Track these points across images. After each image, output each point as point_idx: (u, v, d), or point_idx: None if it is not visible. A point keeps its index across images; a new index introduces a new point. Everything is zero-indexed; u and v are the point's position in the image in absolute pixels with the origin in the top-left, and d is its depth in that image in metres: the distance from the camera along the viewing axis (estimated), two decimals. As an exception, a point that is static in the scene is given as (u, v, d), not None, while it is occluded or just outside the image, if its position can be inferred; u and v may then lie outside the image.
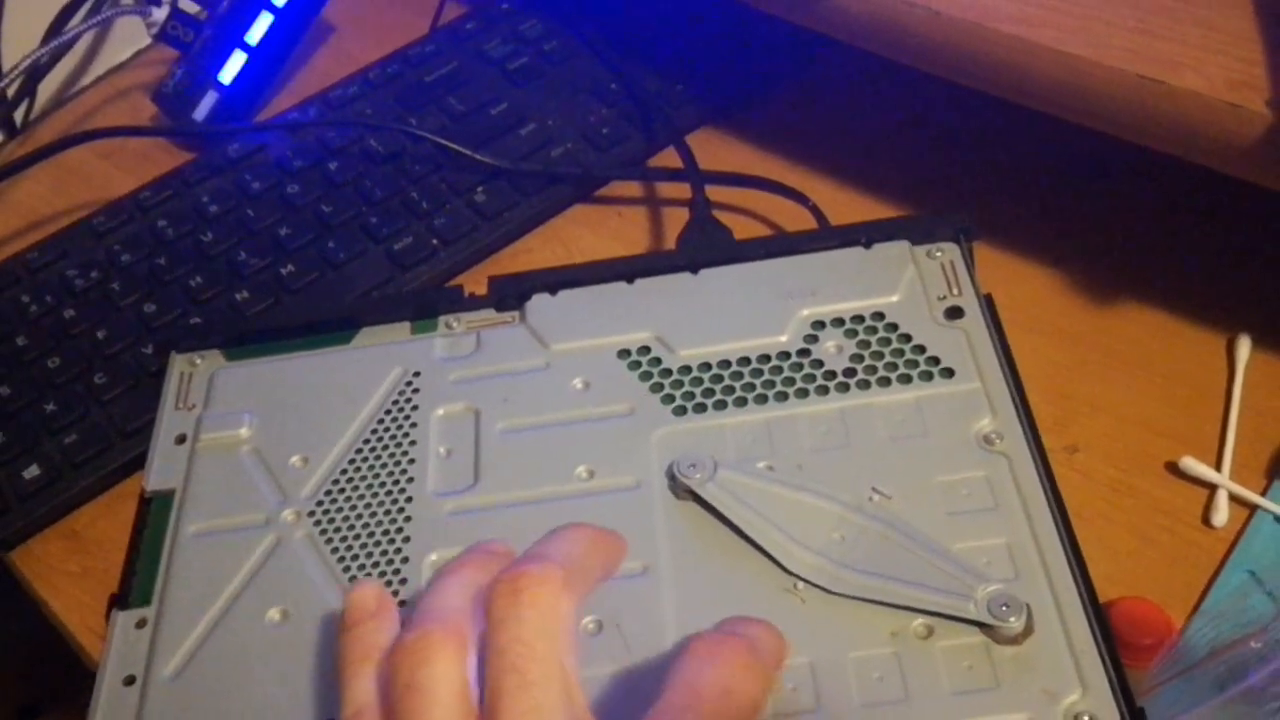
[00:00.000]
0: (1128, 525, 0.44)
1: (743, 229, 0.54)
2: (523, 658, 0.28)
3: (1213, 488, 0.45)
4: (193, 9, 0.67)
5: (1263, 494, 0.44)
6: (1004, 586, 0.34)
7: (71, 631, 0.46)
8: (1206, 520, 0.44)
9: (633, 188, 0.59)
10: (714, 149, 0.59)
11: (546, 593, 0.30)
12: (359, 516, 0.40)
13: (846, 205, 0.55)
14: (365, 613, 0.32)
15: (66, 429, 0.51)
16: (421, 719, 0.28)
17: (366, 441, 0.42)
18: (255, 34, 0.65)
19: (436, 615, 0.30)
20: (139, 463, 0.45)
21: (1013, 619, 0.34)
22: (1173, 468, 0.45)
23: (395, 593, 0.38)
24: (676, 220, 0.55)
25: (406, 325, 0.46)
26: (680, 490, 0.39)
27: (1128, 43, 0.43)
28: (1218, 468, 0.45)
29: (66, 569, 0.49)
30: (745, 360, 0.42)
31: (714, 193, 0.54)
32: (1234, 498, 0.44)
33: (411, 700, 0.29)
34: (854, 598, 0.35)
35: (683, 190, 0.55)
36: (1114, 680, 0.33)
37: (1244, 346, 0.48)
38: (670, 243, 0.55)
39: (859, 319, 0.43)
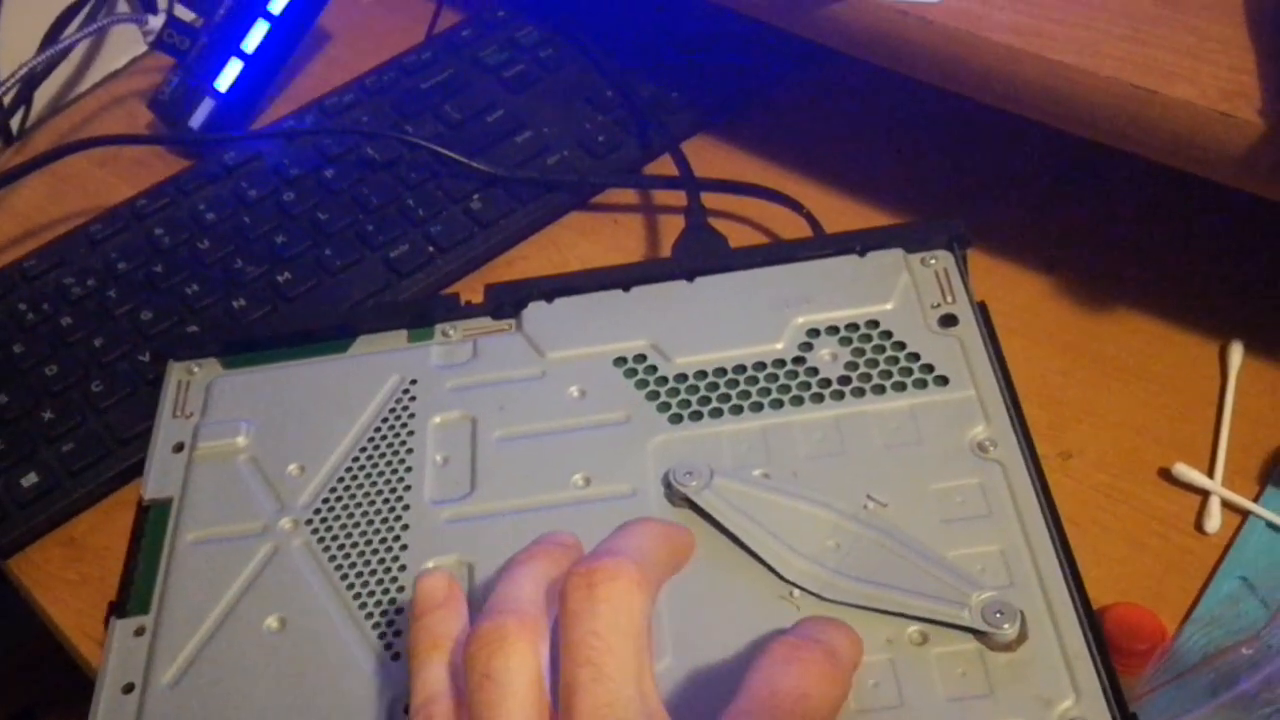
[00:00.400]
0: (1121, 531, 0.45)
1: (738, 236, 0.54)
2: (598, 651, 0.29)
3: (1205, 494, 0.45)
4: (189, 17, 0.67)
5: (1255, 500, 0.44)
6: (998, 593, 0.35)
7: (69, 638, 0.46)
8: (1199, 526, 0.44)
9: (628, 195, 0.59)
10: (710, 157, 0.59)
11: (621, 587, 0.30)
12: (356, 525, 0.40)
13: (841, 213, 0.55)
14: (434, 602, 0.33)
15: (64, 437, 0.51)
16: (497, 709, 0.29)
17: (363, 450, 0.42)
18: (251, 42, 0.65)
19: (510, 606, 0.30)
20: (136, 470, 0.45)
21: (1007, 626, 0.34)
22: (1165, 474, 0.46)
23: (393, 601, 0.38)
24: (672, 228, 0.55)
25: (403, 333, 0.46)
26: (676, 498, 0.39)
27: (1120, 52, 0.43)
28: (1210, 474, 0.45)
29: (64, 576, 0.49)
30: (741, 368, 0.42)
31: (709, 200, 0.55)
32: (1226, 504, 0.45)
33: (487, 690, 0.29)
34: (849, 605, 0.35)
35: (678, 198, 0.55)
36: (1107, 687, 0.33)
37: (1236, 353, 0.48)
38: (666, 250, 0.55)
39: (853, 327, 0.43)
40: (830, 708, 0.30)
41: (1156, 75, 0.42)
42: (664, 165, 0.58)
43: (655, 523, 0.34)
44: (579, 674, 0.28)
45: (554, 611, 0.30)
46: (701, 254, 0.50)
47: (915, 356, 0.42)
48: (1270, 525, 0.44)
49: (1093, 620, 0.35)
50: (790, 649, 0.31)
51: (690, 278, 0.46)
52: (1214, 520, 0.44)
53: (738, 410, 0.41)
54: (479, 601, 0.34)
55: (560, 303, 0.46)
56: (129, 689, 0.37)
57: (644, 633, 0.30)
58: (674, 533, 0.35)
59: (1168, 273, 0.52)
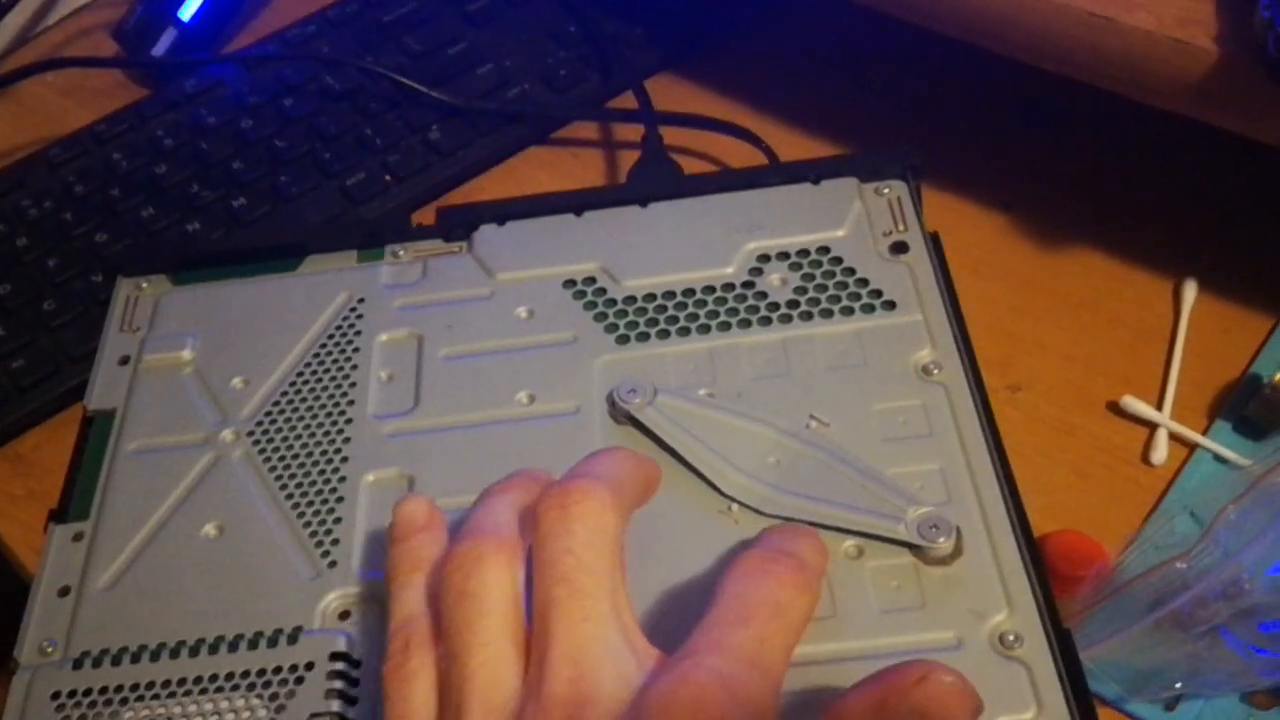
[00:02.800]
0: (1067, 463, 0.45)
1: (696, 170, 0.54)
2: (573, 568, 0.29)
3: (1153, 427, 0.45)
4: (155, -53, 0.67)
5: (1203, 433, 0.45)
6: (935, 509, 0.35)
7: (14, 552, 0.46)
8: (1146, 458, 0.44)
9: (589, 130, 0.59)
10: (672, 94, 0.59)
11: (594, 507, 0.30)
12: (298, 437, 0.40)
13: (801, 151, 0.55)
14: (415, 526, 0.33)
15: (14, 354, 0.51)
16: (473, 626, 0.29)
17: (308, 365, 0.42)
18: (216, -29, 0.65)
19: (487, 529, 0.31)
20: (85, 388, 0.44)
21: (941, 540, 0.34)
22: (1114, 407, 0.46)
23: (331, 510, 0.38)
24: (632, 163, 0.55)
25: (353, 253, 0.46)
26: (619, 415, 0.39)
27: (1076, -21, 0.43)
28: (1159, 407, 0.45)
29: (11, 491, 0.49)
30: (690, 291, 0.42)
31: (669, 135, 0.54)
32: (1174, 436, 0.45)
33: (464, 608, 0.29)
34: (786, 519, 0.35)
35: (639, 134, 0.55)
36: (1041, 601, 0.33)
37: (1190, 290, 0.48)
38: (625, 183, 0.55)
39: (804, 253, 0.43)
40: (802, 617, 0.30)
41: (1113, 3, 0.42)
42: (626, 102, 0.58)
43: (627, 451, 0.34)
44: (554, 590, 0.28)
45: (530, 537, 0.30)
46: (655, 180, 0.49)
47: (864, 282, 0.42)
48: (1216, 457, 0.44)
49: (1029, 537, 0.35)
50: (760, 561, 0.30)
51: (643, 203, 0.45)
52: (1160, 452, 0.44)
53: (685, 332, 0.41)
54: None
55: (512, 226, 0.45)
56: (64, 592, 0.37)
57: (617, 551, 0.30)
58: (645, 462, 0.35)
59: (1125, 211, 0.52)
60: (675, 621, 0.33)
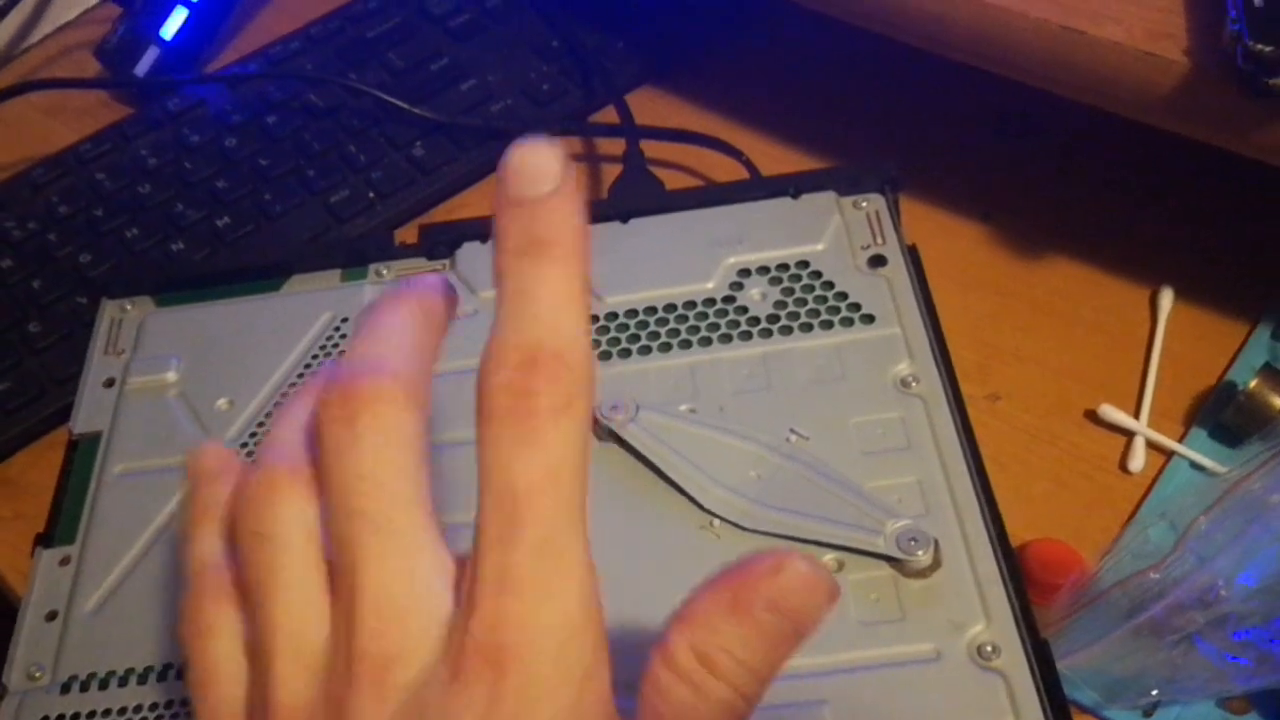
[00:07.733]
0: (1046, 471, 0.45)
1: (678, 184, 0.54)
2: (369, 496, 0.24)
3: (1131, 435, 0.46)
4: (136, -35, 0.67)
5: (1180, 441, 0.45)
6: (913, 522, 0.35)
7: (1, 575, 0.47)
8: (1124, 466, 0.45)
9: (572, 145, 0.59)
10: (653, 107, 0.59)
11: (384, 410, 0.24)
12: (283, 457, 0.40)
13: (782, 164, 0.55)
14: (206, 476, 0.28)
15: (0, 376, 0.51)
16: (273, 570, 0.25)
17: (293, 385, 0.42)
18: (197, -11, 0.65)
19: (276, 454, 0.26)
20: (71, 411, 0.45)
21: (920, 552, 0.34)
22: (1093, 416, 0.46)
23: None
24: (614, 177, 0.55)
25: (337, 273, 0.46)
26: (602, 432, 0.39)
27: (1049, -7, 0.43)
28: (1136, 415, 0.46)
29: (-2, 514, 0.49)
30: (671, 307, 0.43)
31: (650, 149, 0.55)
32: (1151, 444, 0.45)
33: (261, 551, 0.25)
34: (767, 533, 0.36)
35: (620, 147, 0.55)
36: (1018, 612, 0.34)
37: (1166, 298, 0.49)
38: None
39: (784, 267, 0.43)
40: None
41: (1085, 17, 0.42)
42: (608, 116, 0.58)
43: (401, 300, 0.27)
44: (350, 525, 0.24)
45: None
46: (636, 196, 0.50)
47: (843, 296, 0.42)
48: (1193, 464, 0.44)
49: (1006, 548, 0.35)
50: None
51: (625, 219, 0.46)
52: (1138, 460, 0.45)
53: (666, 348, 0.42)
54: None
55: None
56: (52, 616, 0.38)
57: (418, 456, 0.25)
58: (422, 299, 0.27)
59: (1101, 220, 0.52)
60: (652, 638, 0.34)
